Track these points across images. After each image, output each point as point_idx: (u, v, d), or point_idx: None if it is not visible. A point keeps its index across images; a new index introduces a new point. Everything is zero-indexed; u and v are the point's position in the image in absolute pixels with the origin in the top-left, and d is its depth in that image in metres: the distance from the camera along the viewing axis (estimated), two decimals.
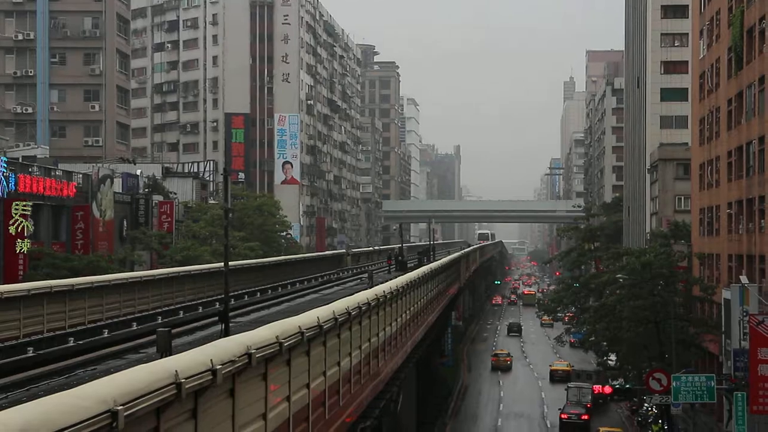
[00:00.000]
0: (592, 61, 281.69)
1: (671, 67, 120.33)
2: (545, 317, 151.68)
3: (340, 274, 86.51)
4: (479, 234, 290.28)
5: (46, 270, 64.18)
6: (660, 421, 72.08)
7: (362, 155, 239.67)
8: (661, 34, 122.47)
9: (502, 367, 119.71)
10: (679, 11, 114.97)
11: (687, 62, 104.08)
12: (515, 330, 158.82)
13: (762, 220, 63.31)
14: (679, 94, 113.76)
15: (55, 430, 9.39)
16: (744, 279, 63.26)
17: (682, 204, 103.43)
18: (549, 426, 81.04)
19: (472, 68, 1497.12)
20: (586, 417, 79.31)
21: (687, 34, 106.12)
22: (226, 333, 28.05)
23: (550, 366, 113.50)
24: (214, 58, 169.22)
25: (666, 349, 71.93)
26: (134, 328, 37.69)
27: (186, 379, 12.93)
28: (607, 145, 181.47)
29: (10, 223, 65.68)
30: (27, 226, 66.87)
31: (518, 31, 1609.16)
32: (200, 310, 45.48)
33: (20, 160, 75.76)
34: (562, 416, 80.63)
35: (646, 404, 77.15)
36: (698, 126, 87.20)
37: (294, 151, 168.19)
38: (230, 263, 38.93)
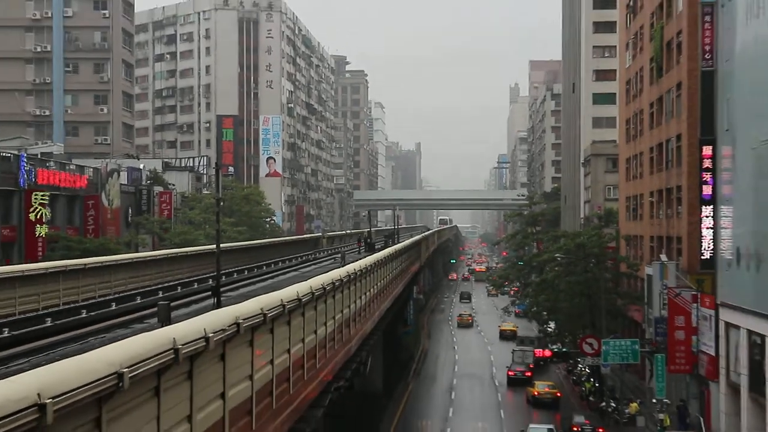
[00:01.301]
0: (534, 70, 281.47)
1: (602, 75, 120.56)
2: (492, 289, 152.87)
3: (317, 254, 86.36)
4: (440, 220, 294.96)
5: (62, 251, 64.05)
6: (592, 379, 72.43)
7: (336, 151, 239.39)
8: (593, 47, 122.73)
9: (466, 324, 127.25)
10: (609, 26, 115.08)
11: (615, 71, 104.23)
12: (466, 297, 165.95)
13: (679, 207, 63.58)
14: (608, 99, 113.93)
15: (69, 389, 9.42)
16: (663, 257, 63.61)
17: (611, 193, 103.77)
18: (497, 384, 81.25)
19: (432, 73, 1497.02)
20: (529, 374, 79.75)
21: (615, 46, 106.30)
22: (217, 305, 28.06)
23: (500, 326, 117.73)
24: (207, 67, 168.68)
25: (597, 318, 72.28)
26: (138, 301, 37.59)
27: (183, 345, 12.97)
28: (547, 143, 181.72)
29: (31, 210, 65.42)
30: (45, 213, 66.59)
31: (472, 42, 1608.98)
32: (195, 286, 45.37)
33: (39, 156, 75.42)
34: (509, 373, 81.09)
35: (580, 365, 77.47)
36: (625, 126, 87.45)
37: (276, 148, 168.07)
38: (221, 245, 38.88)
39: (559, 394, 73.01)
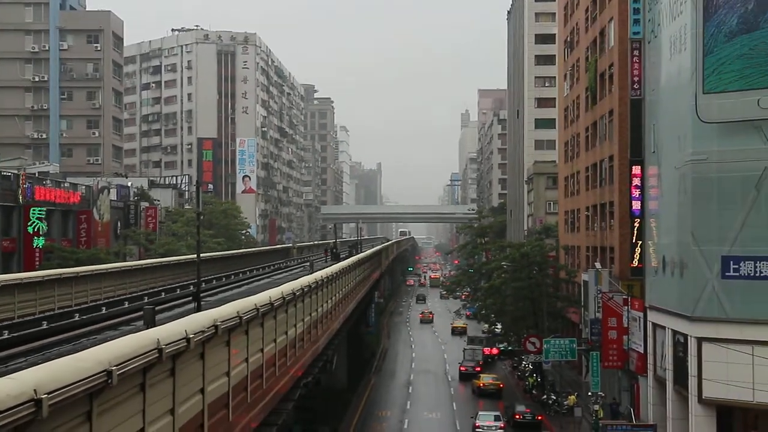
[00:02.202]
0: (482, 97, 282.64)
1: (543, 102, 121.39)
2: (445, 293, 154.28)
3: (288, 263, 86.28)
4: (400, 232, 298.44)
5: (57, 261, 63.66)
6: (534, 374, 72.66)
7: (305, 170, 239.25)
8: (535, 77, 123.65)
9: (427, 320, 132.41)
10: (549, 59, 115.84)
11: (555, 99, 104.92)
12: (422, 299, 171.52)
13: (611, 220, 63.99)
14: (549, 123, 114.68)
15: (62, 386, 9.40)
16: (598, 265, 63.96)
17: (551, 207, 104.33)
18: (450, 379, 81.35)
19: (392, 95, 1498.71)
20: (479, 369, 79.82)
21: (554, 77, 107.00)
22: (197, 309, 27.98)
23: (452, 323, 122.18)
24: (189, 94, 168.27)
25: (539, 320, 72.60)
26: (126, 306, 37.45)
27: (166, 345, 12.96)
28: (494, 162, 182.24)
29: (29, 224, 65.04)
30: (41, 226, 66.19)
31: (427, 67, 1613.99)
32: (178, 292, 45.23)
33: (36, 175, 74.96)
34: (461, 368, 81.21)
35: (524, 362, 77.74)
36: (563, 148, 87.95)
37: (251, 167, 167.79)
38: (201, 255, 38.76)
39: (501, 385, 73.63)
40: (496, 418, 58.34)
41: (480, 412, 60.69)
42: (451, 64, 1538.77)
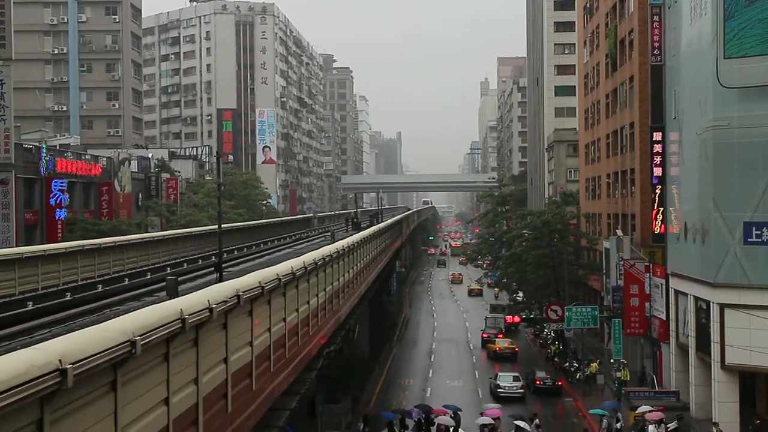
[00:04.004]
0: (502, 65, 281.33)
1: (562, 69, 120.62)
2: (462, 257, 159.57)
3: (309, 233, 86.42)
4: (423, 201, 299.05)
5: (80, 233, 63.94)
6: (557, 342, 72.65)
7: (325, 140, 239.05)
8: (555, 44, 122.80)
9: (457, 280, 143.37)
10: (568, 26, 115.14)
11: (574, 66, 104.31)
12: (442, 263, 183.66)
13: (632, 187, 63.77)
14: (569, 91, 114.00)
15: (87, 356, 9.45)
16: (619, 232, 63.85)
17: (572, 175, 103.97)
18: (472, 347, 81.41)
19: (412, 67, 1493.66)
20: (500, 336, 79.88)
21: (574, 44, 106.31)
22: (219, 279, 28.07)
23: (468, 287, 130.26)
24: (208, 65, 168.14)
25: (561, 287, 72.46)
26: (148, 277, 37.62)
27: (189, 315, 13.01)
28: (514, 131, 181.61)
29: (51, 196, 65.34)
30: (64, 199, 66.53)
31: (448, 35, 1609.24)
32: (200, 263, 45.40)
33: (57, 148, 75.22)
34: (483, 335, 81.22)
35: (546, 330, 77.70)
36: (584, 115, 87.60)
37: (271, 137, 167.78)
38: (223, 226, 38.86)
39: (516, 349, 74.54)
40: (515, 379, 59.06)
41: (499, 373, 61.39)
42: (470, 35, 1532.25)
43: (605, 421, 44.80)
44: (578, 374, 62.09)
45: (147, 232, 70.20)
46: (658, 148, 53.95)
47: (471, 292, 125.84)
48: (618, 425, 44.02)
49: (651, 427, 41.71)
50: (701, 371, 46.64)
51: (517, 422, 43.31)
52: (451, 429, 44.48)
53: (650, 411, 43.70)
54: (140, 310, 12.45)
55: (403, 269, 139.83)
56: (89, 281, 35.39)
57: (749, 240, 42.03)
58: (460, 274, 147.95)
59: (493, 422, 44.11)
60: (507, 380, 58.95)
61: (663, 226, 54.21)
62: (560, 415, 54.62)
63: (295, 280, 23.22)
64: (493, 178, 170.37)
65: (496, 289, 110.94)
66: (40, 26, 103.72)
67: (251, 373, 18.41)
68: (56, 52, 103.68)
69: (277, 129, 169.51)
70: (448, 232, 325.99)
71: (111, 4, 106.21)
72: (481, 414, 45.92)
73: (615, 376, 56.67)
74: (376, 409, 52.60)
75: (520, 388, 58.04)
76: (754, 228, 41.83)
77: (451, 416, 45.30)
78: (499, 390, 58.01)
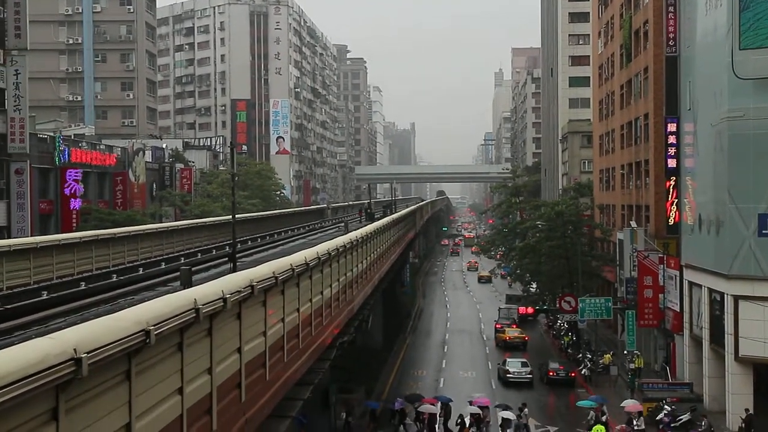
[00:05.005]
0: (516, 56, 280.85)
1: (577, 60, 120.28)
2: (475, 247, 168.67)
3: (323, 224, 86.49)
4: (438, 192, 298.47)
5: (94, 222, 64.14)
6: (570, 333, 72.60)
7: (338, 131, 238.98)
8: (569, 35, 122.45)
9: (473, 268, 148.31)
10: (583, 17, 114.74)
11: (589, 56, 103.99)
12: (455, 253, 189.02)
13: (646, 178, 63.60)
14: (583, 82, 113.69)
15: (101, 345, 9.49)
16: (633, 224, 63.69)
17: (586, 166, 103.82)
18: (485, 338, 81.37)
19: (426, 58, 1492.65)
20: (514, 327, 79.92)
21: (588, 34, 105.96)
22: (233, 269, 28.13)
23: (479, 274, 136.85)
24: (222, 56, 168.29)
25: (574, 279, 72.41)
26: (162, 267, 37.72)
27: (203, 305, 13.03)
28: (528, 122, 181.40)
29: (66, 186, 65.53)
30: (78, 189, 66.71)
31: (460, 28, 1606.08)
32: (213, 253, 45.51)
33: (72, 138, 75.41)
34: (497, 326, 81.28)
35: (559, 321, 77.63)
36: (598, 106, 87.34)
37: (285, 128, 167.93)
38: (236, 216, 38.92)
39: (526, 338, 75.28)
40: (524, 365, 60.28)
41: (508, 359, 62.43)
42: (483, 27, 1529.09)
43: (591, 413, 44.84)
44: (583, 370, 61.69)
45: (161, 222, 70.37)
46: (672, 139, 53.82)
47: (480, 279, 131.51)
48: (603, 418, 43.95)
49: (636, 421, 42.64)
50: (715, 363, 46.57)
51: (502, 413, 43.78)
52: (438, 416, 45.56)
53: (632, 404, 44.54)
54: (154, 299, 12.48)
55: (417, 260, 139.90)
56: (104, 271, 35.51)
57: (764, 232, 41.95)
58: (476, 262, 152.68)
59: (480, 411, 44.55)
60: (516, 366, 60.22)
61: (677, 217, 54.10)
62: (573, 406, 54.64)
63: (308, 271, 23.23)
64: (507, 169, 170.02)
65: (509, 278, 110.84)
66: (55, 16, 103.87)
67: (265, 363, 18.44)
68: (71, 42, 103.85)
69: (290, 119, 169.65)
70: (461, 223, 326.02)
71: None
72: (470, 403, 46.29)
73: (628, 367, 56.63)
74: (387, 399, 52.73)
75: (529, 374, 59.18)
76: None
77: (441, 407, 46.20)
78: (508, 375, 59.43)
